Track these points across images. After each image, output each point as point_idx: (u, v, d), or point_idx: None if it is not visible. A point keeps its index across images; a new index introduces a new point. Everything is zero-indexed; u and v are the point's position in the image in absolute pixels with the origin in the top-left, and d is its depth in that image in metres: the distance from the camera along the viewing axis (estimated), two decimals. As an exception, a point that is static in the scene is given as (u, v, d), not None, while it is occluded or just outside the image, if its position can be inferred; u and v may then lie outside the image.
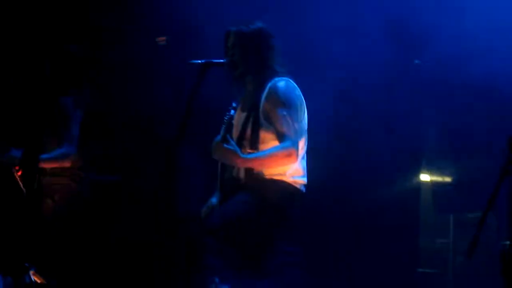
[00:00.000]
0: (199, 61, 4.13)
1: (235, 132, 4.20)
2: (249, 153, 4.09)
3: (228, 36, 4.29)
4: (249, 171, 4.13)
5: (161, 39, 4.77)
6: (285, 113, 4.07)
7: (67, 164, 5.06)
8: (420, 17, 5.68)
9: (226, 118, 4.10)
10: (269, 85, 4.15)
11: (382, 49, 5.90)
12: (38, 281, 4.91)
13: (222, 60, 4.19)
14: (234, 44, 4.25)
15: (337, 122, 6.11)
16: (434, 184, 6.62)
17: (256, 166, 4.11)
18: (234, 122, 4.22)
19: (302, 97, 4.20)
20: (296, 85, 4.20)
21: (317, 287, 5.79)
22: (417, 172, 6.50)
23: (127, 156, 5.87)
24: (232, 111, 4.12)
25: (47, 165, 5.05)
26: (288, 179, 4.15)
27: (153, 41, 4.74)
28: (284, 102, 4.09)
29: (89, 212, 5.28)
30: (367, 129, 6.23)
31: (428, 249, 6.51)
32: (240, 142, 4.14)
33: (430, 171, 6.61)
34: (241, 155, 4.04)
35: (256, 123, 4.14)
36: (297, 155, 4.06)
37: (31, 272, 4.92)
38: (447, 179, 6.66)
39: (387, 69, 6.03)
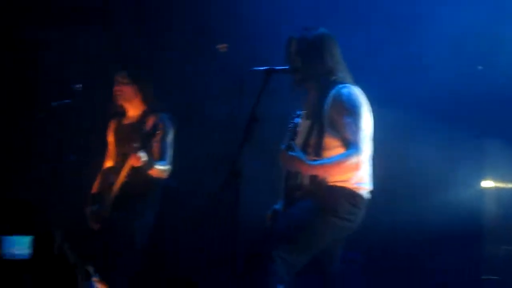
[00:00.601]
0: (262, 68, 4.14)
1: (299, 140, 4.19)
2: (314, 160, 4.08)
3: (290, 43, 4.27)
4: (313, 178, 4.11)
5: (222, 46, 4.77)
6: (350, 120, 4.05)
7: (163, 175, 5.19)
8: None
9: (291, 126, 4.09)
10: (332, 92, 4.12)
11: (444, 54, 5.86)
12: None
13: (285, 67, 4.17)
14: (296, 51, 4.23)
15: (397, 126, 6.05)
16: (498, 189, 6.49)
17: (322, 173, 4.09)
18: (299, 129, 4.21)
19: (366, 103, 4.17)
20: (360, 92, 4.17)
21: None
22: (480, 178, 6.39)
23: (189, 163, 5.92)
24: (297, 119, 4.10)
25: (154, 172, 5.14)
26: (352, 185, 4.12)
27: (214, 48, 4.75)
28: (348, 109, 4.07)
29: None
30: (428, 133, 6.16)
31: (492, 256, 6.39)
32: (304, 150, 4.12)
33: (494, 176, 6.49)
34: (307, 162, 4.03)
35: (320, 131, 4.11)
36: (363, 163, 4.04)
37: (94, 279, 4.98)
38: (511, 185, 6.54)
39: (449, 75, 5.96)
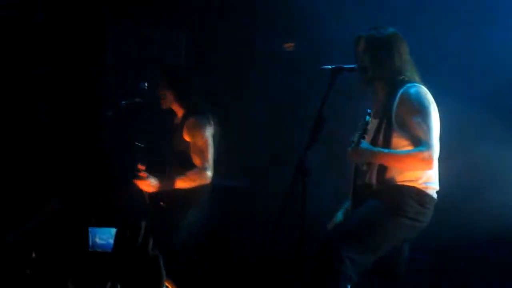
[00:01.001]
0: (330, 67, 4.13)
1: (367, 138, 4.17)
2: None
3: (358, 41, 4.26)
4: (381, 178, 4.11)
5: (289, 45, 4.77)
6: (419, 119, 4.03)
7: (204, 181, 5.10)
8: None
9: (361, 124, 4.09)
10: (400, 91, 4.11)
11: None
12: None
13: (353, 66, 4.16)
14: (365, 50, 4.21)
15: (463, 125, 5.96)
16: None
17: (392, 162, 4.07)
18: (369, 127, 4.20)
19: (434, 102, 4.13)
20: (427, 91, 4.14)
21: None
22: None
23: (257, 163, 5.93)
24: (368, 117, 4.10)
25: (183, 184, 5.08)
26: (421, 185, 4.11)
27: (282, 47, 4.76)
28: (417, 109, 4.05)
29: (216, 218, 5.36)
30: (489, 133, 6.06)
31: None
32: None
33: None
34: (376, 149, 4.04)
35: (388, 130, 4.10)
36: (434, 160, 4.01)
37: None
38: None
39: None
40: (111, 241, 4.88)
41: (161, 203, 5.11)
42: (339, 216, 4.36)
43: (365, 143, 4.06)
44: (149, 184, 5.00)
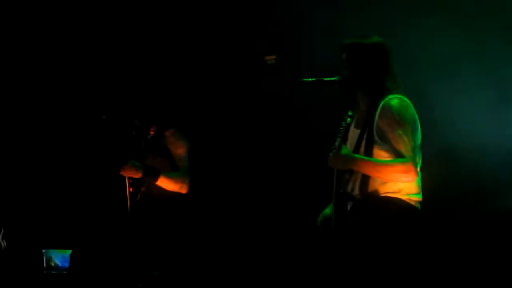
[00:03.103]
0: (310, 80, 4.13)
1: (349, 147, 4.16)
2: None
3: (342, 50, 4.23)
4: (364, 188, 4.10)
5: (271, 58, 4.75)
6: (400, 132, 4.01)
7: (183, 190, 5.17)
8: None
9: (341, 127, 4.08)
10: (382, 103, 4.09)
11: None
12: None
13: (333, 78, 4.16)
14: (348, 59, 4.19)
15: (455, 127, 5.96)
16: None
17: (372, 171, 4.05)
18: (348, 138, 4.20)
19: (416, 114, 4.13)
20: (409, 103, 4.13)
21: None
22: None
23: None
24: (348, 119, 4.09)
25: (165, 183, 5.15)
26: (403, 196, 4.10)
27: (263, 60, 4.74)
28: (398, 121, 4.03)
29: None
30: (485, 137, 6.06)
31: None
32: None
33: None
34: (357, 156, 4.04)
35: (369, 141, 4.09)
36: (416, 172, 4.01)
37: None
38: None
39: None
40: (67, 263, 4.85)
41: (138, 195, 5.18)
42: (323, 220, 4.32)
43: (346, 149, 4.07)
44: (133, 169, 5.05)
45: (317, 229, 4.34)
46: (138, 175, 5.07)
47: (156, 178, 5.08)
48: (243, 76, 5.95)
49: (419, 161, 4.11)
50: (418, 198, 4.16)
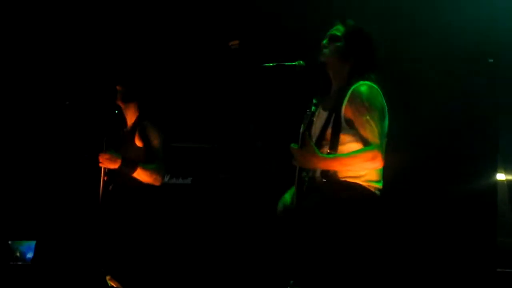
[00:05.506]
0: (271, 64, 4.15)
1: (315, 130, 4.21)
2: (329, 153, 4.09)
3: (333, 28, 4.29)
4: (324, 172, 4.11)
5: (234, 43, 4.75)
6: (368, 117, 4.04)
7: (157, 182, 5.17)
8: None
9: (306, 115, 4.10)
10: (352, 88, 4.13)
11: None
12: (114, 286, 5.00)
13: (294, 63, 4.19)
14: (327, 43, 4.25)
15: (413, 119, 6.04)
16: (509, 183, 6.48)
17: (339, 167, 4.07)
18: (315, 119, 4.22)
19: (385, 102, 4.16)
20: (379, 90, 4.16)
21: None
22: (493, 171, 6.37)
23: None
24: (313, 107, 4.12)
25: (141, 175, 5.14)
26: (363, 182, 4.12)
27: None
28: (367, 107, 4.06)
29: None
30: (443, 127, 6.15)
31: (507, 248, 6.37)
32: (319, 142, 4.14)
33: (506, 169, 6.47)
34: (322, 155, 4.05)
35: (336, 125, 4.11)
36: (382, 158, 4.03)
37: (107, 278, 5.01)
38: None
39: (462, 66, 5.97)
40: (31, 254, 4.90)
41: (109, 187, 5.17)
42: (283, 206, 4.35)
43: (311, 145, 4.04)
44: (112, 159, 5.04)
45: (278, 214, 4.37)
46: (115, 166, 5.07)
47: (134, 170, 5.07)
48: (207, 62, 5.96)
49: (384, 148, 4.11)
50: (378, 185, 4.17)
